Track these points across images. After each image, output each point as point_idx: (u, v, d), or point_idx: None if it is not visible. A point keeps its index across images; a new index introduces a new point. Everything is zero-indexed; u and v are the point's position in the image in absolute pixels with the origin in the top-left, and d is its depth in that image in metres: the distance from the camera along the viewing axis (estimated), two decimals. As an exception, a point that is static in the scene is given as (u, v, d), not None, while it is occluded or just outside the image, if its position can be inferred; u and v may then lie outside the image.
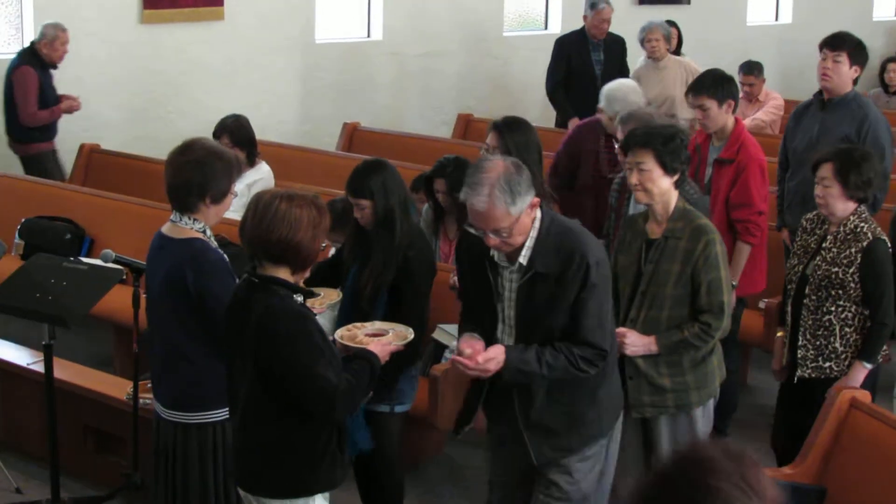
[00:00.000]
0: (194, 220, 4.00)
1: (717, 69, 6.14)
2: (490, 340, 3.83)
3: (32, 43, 8.29)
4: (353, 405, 3.62)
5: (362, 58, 10.97)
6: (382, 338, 3.83)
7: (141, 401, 4.85)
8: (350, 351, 3.75)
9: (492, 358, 3.72)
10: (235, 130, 6.62)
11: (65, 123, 8.52)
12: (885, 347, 4.75)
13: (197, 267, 3.92)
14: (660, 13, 10.96)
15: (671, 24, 10.12)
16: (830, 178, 4.61)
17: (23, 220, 7.32)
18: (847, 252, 4.59)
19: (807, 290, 4.68)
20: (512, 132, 5.19)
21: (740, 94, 9.43)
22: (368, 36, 11.14)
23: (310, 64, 10.57)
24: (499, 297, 3.84)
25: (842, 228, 4.63)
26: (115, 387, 5.23)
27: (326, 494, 3.70)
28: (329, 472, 3.63)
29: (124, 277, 4.78)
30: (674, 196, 4.33)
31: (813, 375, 4.70)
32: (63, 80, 8.81)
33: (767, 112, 9.33)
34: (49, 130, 8.40)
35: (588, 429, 3.94)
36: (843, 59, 5.97)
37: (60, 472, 4.89)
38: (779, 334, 4.99)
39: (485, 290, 3.85)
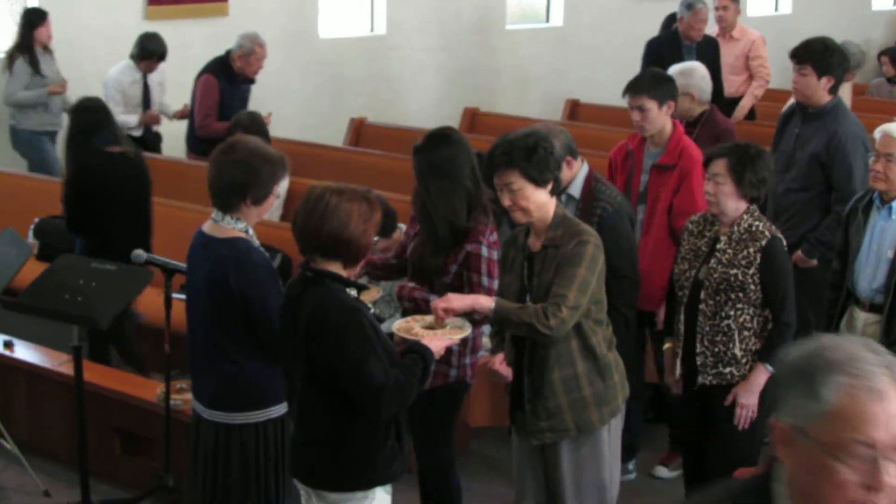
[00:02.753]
0: (237, 219, 3.95)
1: (656, 69, 5.80)
2: None
3: (228, 52, 8.04)
4: (402, 402, 3.56)
5: (366, 53, 10.92)
6: (437, 331, 3.78)
7: (172, 402, 4.81)
8: (405, 343, 3.73)
9: None
10: (250, 126, 6.57)
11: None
12: None
13: (240, 267, 3.88)
14: (660, 7, 10.94)
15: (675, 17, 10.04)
16: (724, 174, 4.33)
17: (36, 219, 7.25)
18: (745, 252, 4.34)
19: (702, 296, 4.40)
20: (418, 154, 4.34)
21: (716, 31, 9.30)
22: (372, 31, 11.10)
23: (314, 59, 10.52)
24: None
25: (735, 228, 4.37)
26: (145, 388, 5.20)
27: (388, 487, 3.66)
28: (388, 465, 3.60)
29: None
30: (551, 206, 4.02)
31: (714, 382, 4.43)
32: (69, 78, 8.74)
33: (759, 87, 9.23)
34: None
35: None
36: (808, 70, 5.66)
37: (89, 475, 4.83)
38: (667, 345, 4.71)
39: None
